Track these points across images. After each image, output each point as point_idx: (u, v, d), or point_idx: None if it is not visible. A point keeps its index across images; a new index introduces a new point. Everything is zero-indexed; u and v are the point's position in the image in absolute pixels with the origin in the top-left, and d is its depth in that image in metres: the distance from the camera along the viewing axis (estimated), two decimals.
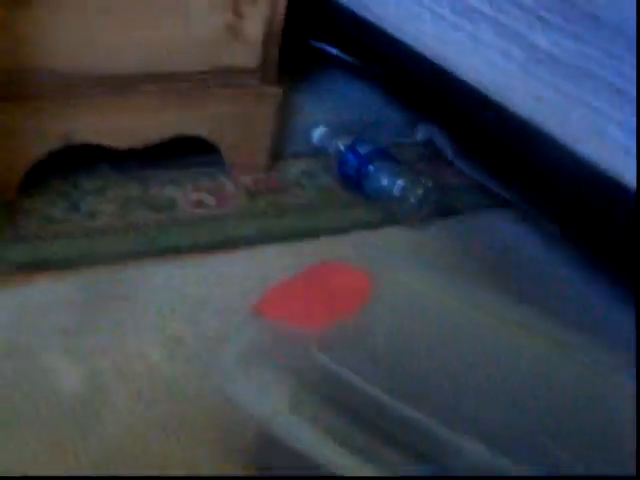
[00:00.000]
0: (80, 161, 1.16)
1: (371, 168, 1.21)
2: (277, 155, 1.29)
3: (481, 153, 1.37)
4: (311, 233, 1.14)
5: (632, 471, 0.58)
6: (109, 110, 1.10)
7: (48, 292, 0.94)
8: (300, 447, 0.59)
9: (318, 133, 1.31)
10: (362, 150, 1.24)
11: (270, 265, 1.03)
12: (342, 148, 1.26)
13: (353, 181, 1.24)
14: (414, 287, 0.75)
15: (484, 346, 0.69)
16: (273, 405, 0.61)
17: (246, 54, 1.14)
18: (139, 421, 0.76)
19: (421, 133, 1.45)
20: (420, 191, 1.16)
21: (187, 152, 1.22)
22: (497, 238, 1.18)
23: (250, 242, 1.10)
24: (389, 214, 1.18)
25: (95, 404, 0.78)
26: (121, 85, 1.10)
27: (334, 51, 1.49)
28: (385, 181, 1.19)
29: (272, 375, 0.63)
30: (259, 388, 0.62)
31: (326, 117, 1.36)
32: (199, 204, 1.16)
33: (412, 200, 1.16)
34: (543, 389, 0.67)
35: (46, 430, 0.74)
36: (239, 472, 0.70)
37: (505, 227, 1.22)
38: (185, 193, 1.17)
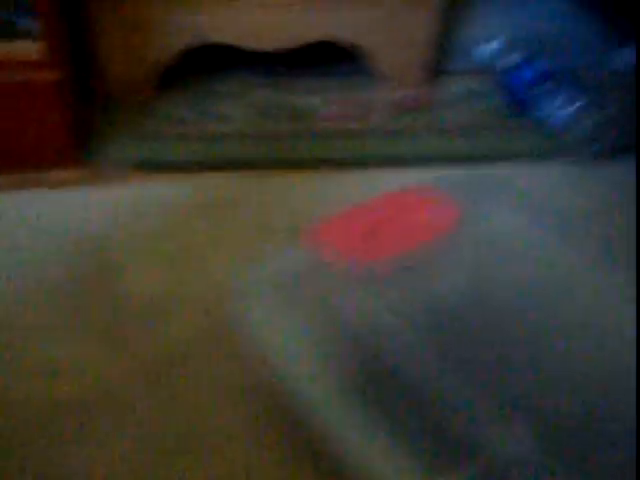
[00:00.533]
0: (219, 65, 1.10)
1: (543, 88, 1.04)
2: (439, 70, 1.14)
3: None
4: (459, 158, 1.00)
5: None
6: (250, 6, 1.01)
7: (154, 193, 0.89)
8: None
9: (490, 47, 1.14)
10: (536, 68, 1.06)
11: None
12: (513, 64, 1.09)
13: (521, 103, 1.07)
14: (510, 233, 0.59)
15: (580, 317, 0.53)
16: (292, 356, 0.49)
17: None
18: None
19: (622, 57, 1.22)
20: (595, 119, 0.97)
21: (334, 60, 1.11)
22: None
23: (387, 162, 0.98)
24: (555, 144, 1.01)
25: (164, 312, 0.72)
26: None
27: None
28: (556, 105, 1.01)
29: (294, 314, 0.51)
30: (278, 330, 0.50)
31: (503, 30, 1.18)
32: (340, 116, 1.05)
33: (585, 129, 0.97)
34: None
35: (111, 331, 0.69)
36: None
37: None
38: (326, 104, 1.07)
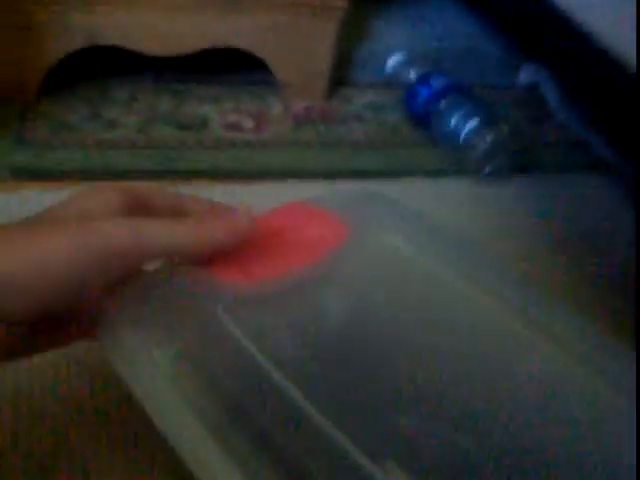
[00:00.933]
0: (111, 68, 1.05)
1: (442, 105, 1.02)
2: (342, 82, 1.12)
3: (592, 105, 1.14)
4: (355, 174, 0.97)
5: None
6: (140, 8, 0.96)
7: (30, 202, 0.84)
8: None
9: (393, 61, 1.13)
10: (436, 83, 1.05)
11: None
12: (415, 79, 1.07)
13: (422, 118, 1.05)
14: (396, 253, 0.56)
15: (457, 345, 0.50)
16: (145, 378, 0.45)
17: None
18: None
19: (524, 75, 1.23)
20: (492, 137, 0.96)
21: (237, 67, 1.08)
22: (581, 205, 0.96)
23: (281, 175, 0.95)
24: (452, 162, 0.99)
25: None
26: None
27: None
28: (455, 121, 0.99)
29: (159, 335, 0.47)
30: (138, 350, 0.46)
31: (409, 44, 1.17)
32: (235, 127, 1.01)
33: (482, 147, 0.96)
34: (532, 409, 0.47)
35: None
36: None
37: (598, 195, 0.99)
38: (222, 113, 1.03)
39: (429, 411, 0.45)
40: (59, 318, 0.44)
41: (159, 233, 0.42)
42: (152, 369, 0.45)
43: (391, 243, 0.57)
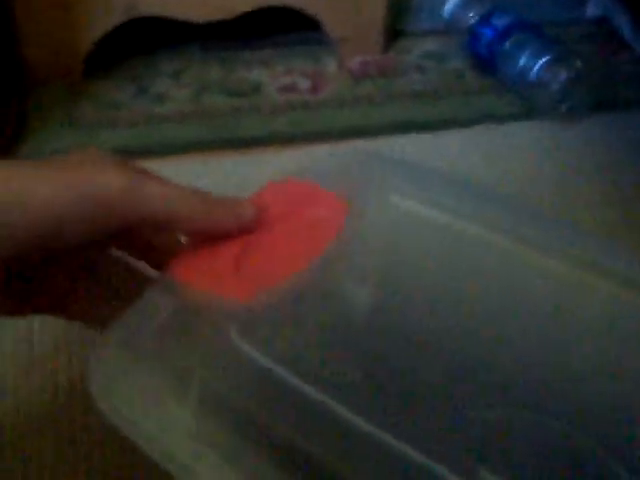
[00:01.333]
0: (157, 41, 1.01)
1: (508, 45, 0.95)
2: (398, 32, 1.06)
3: None
4: (421, 126, 0.91)
5: None
6: None
7: None
8: None
9: (450, 4, 1.06)
10: (499, 22, 0.97)
11: None
12: (475, 21, 1.00)
13: (487, 61, 0.98)
14: (406, 216, 0.45)
15: (520, 312, 0.41)
16: (164, 438, 0.36)
17: None
18: None
19: (592, 8, 1.14)
20: (566, 73, 0.88)
21: (288, 28, 1.03)
22: None
23: (343, 134, 0.90)
24: (526, 103, 0.92)
25: None
26: None
27: None
28: (523, 61, 0.92)
29: (170, 381, 0.37)
30: (144, 404, 0.37)
31: None
32: (290, 89, 0.96)
33: (555, 85, 0.89)
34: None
35: None
36: None
37: None
38: (275, 76, 0.98)
39: (512, 398, 0.38)
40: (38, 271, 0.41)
41: (156, 194, 0.38)
42: (170, 426, 0.37)
43: (397, 206, 0.46)
